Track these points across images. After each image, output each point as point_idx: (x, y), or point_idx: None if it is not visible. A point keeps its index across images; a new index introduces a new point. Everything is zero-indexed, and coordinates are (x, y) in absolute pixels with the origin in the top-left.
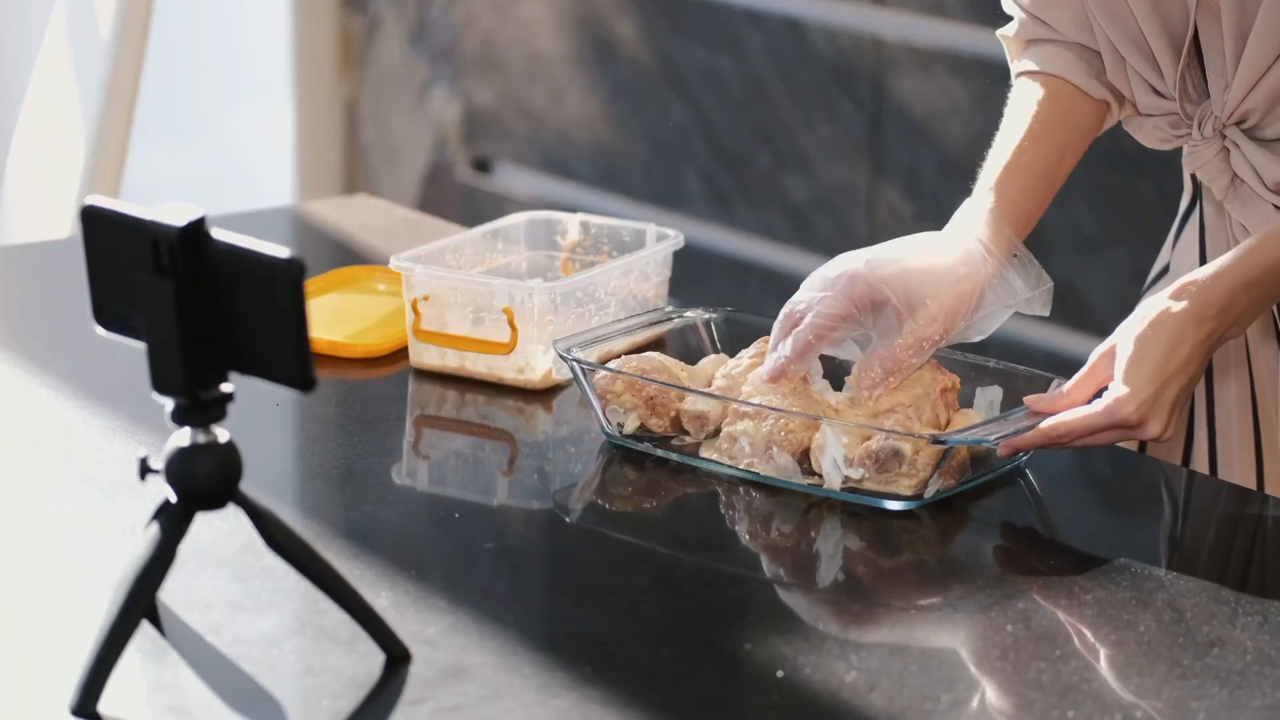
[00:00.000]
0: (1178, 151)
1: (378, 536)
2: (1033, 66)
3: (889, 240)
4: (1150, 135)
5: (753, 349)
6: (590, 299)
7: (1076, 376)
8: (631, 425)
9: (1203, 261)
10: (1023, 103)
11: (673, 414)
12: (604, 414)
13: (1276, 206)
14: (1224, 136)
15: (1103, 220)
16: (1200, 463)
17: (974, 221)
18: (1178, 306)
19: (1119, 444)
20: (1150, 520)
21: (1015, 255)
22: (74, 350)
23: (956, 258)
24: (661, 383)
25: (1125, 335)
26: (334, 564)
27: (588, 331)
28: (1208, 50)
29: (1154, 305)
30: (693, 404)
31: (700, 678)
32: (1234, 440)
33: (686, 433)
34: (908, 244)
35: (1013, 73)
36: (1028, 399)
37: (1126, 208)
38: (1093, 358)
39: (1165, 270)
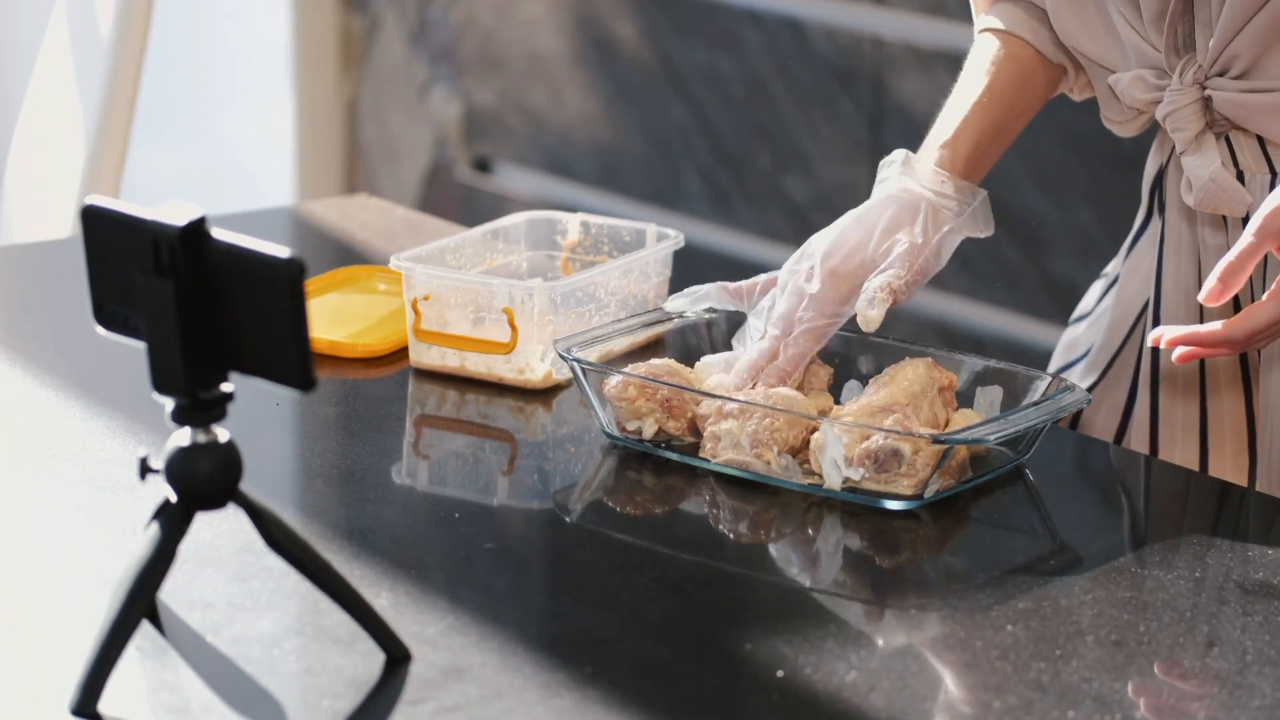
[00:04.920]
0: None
1: (378, 536)
2: (995, 24)
3: (833, 224)
4: (1131, 85)
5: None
6: (590, 299)
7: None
8: (649, 430)
9: (1158, 277)
10: (981, 60)
11: (689, 416)
12: (605, 417)
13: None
14: (1204, 87)
15: (1103, 220)
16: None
17: (919, 175)
18: None
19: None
20: (1150, 520)
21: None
22: (74, 350)
23: (912, 230)
24: (673, 385)
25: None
26: (334, 564)
27: (588, 331)
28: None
29: None
30: (708, 406)
31: (700, 678)
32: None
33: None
34: (858, 226)
35: (975, 28)
36: (1165, 331)
37: (1127, 208)
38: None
39: (1115, 280)
